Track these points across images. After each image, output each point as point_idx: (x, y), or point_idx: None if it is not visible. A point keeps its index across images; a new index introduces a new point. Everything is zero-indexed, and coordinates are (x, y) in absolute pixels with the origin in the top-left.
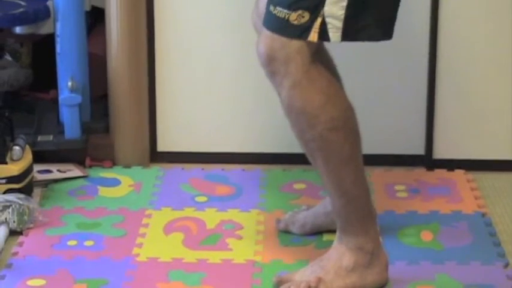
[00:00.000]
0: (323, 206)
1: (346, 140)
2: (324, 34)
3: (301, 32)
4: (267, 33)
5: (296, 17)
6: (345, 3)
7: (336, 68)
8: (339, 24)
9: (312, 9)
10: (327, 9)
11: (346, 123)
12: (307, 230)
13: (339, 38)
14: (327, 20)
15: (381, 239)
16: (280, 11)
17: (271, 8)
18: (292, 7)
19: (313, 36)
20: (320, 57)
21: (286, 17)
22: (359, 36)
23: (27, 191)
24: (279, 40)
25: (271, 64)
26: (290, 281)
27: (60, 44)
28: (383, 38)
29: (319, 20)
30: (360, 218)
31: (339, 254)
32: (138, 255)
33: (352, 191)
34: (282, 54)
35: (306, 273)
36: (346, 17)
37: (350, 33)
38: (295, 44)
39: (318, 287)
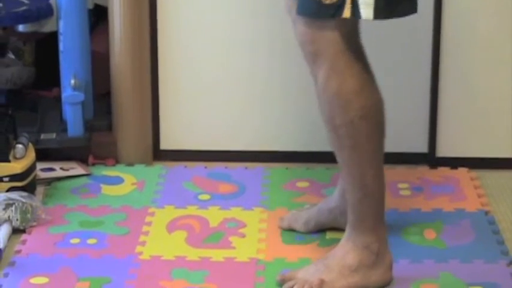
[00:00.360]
0: (327, 203)
1: (375, 131)
2: (356, 10)
3: (334, 11)
4: (302, 19)
5: None
6: None
7: (368, 60)
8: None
9: None
10: None
11: (377, 114)
12: (311, 227)
13: (371, 15)
14: None
15: (387, 239)
16: None
17: None
18: None
19: (347, 12)
20: (355, 44)
21: None
22: (392, 12)
23: (30, 189)
24: (316, 23)
25: (311, 45)
26: (293, 278)
27: (63, 42)
28: (412, 12)
29: None
30: (373, 214)
31: (343, 252)
32: (141, 253)
33: (371, 186)
34: (320, 36)
35: (309, 271)
36: None
37: (382, 9)
38: (331, 25)
39: None
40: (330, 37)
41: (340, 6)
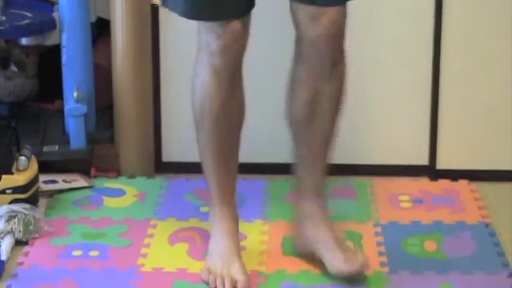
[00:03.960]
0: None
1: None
2: None
3: None
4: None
5: None
6: None
7: None
8: None
9: None
10: None
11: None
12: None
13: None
14: None
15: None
16: None
17: None
18: None
19: None
20: None
21: None
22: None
23: (32, 201)
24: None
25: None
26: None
27: (66, 54)
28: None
29: None
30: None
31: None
32: (142, 265)
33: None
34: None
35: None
36: None
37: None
38: None
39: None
40: None
41: None
